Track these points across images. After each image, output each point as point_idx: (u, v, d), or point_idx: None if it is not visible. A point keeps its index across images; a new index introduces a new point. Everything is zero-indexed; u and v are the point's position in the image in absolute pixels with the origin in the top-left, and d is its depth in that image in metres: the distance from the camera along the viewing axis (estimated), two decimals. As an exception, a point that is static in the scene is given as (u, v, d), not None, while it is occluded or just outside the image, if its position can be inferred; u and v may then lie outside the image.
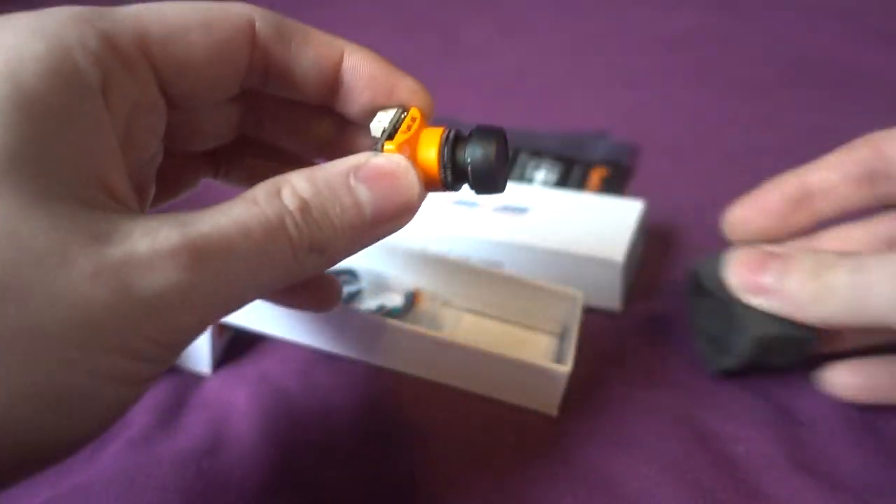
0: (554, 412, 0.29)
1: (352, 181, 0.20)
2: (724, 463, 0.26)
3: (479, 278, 0.33)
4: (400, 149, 0.21)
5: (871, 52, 0.60)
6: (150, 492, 0.26)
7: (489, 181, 0.22)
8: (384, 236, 0.21)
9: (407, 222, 0.21)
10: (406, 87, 0.23)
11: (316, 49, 0.23)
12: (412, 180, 0.20)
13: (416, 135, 0.22)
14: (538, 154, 0.47)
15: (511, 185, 0.40)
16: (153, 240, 0.17)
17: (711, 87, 0.58)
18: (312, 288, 0.26)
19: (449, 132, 0.22)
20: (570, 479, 0.26)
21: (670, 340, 0.32)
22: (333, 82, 0.23)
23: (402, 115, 0.23)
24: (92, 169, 0.18)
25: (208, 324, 0.19)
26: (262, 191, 0.19)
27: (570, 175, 0.45)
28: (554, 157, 0.47)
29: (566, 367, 0.27)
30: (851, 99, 0.53)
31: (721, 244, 0.30)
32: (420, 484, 0.26)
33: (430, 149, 0.22)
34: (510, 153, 0.47)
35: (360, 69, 0.23)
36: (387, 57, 0.24)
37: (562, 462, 0.27)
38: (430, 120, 0.23)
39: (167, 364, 0.18)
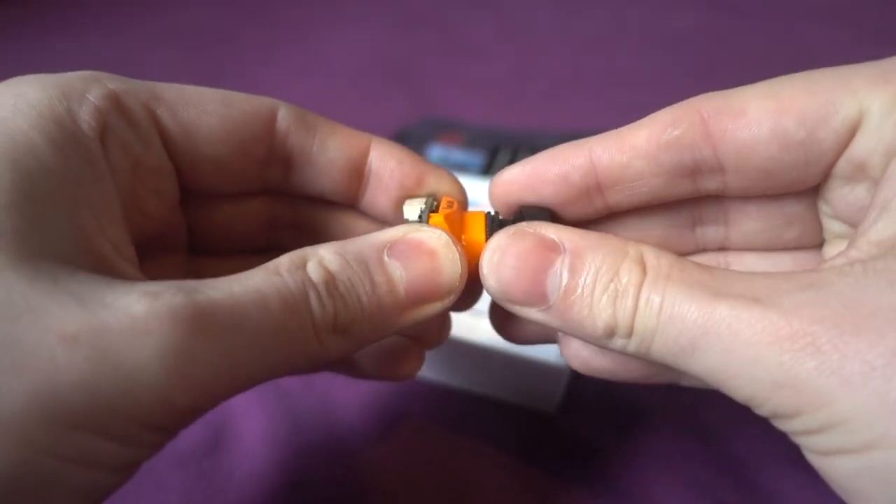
0: (553, 410, 0.29)
1: (385, 256, 0.18)
2: (725, 462, 0.26)
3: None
4: (444, 225, 0.19)
5: (871, 52, 0.60)
6: (150, 491, 0.26)
7: None
8: (416, 323, 0.18)
9: (446, 307, 0.19)
10: (437, 176, 0.22)
11: (341, 139, 0.21)
12: (454, 258, 0.18)
13: (459, 215, 0.20)
14: (538, 154, 0.47)
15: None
16: (151, 302, 0.14)
17: (711, 88, 0.58)
18: (390, 353, 0.24)
19: (492, 214, 0.20)
20: (570, 479, 0.26)
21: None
22: (360, 174, 0.22)
23: (435, 202, 0.21)
24: (84, 220, 0.16)
25: (206, 408, 0.16)
26: (286, 260, 0.17)
27: (570, 175, 0.45)
28: (554, 156, 0.47)
29: (566, 366, 0.27)
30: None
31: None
32: (420, 483, 0.26)
33: (475, 229, 0.20)
34: (512, 156, 0.47)
35: (388, 158, 0.22)
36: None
37: (562, 462, 0.27)
38: (465, 207, 0.22)
39: (157, 448, 0.16)
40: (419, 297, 0.18)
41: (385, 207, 0.22)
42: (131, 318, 0.14)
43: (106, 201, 0.17)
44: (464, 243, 0.19)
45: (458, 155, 0.49)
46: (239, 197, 0.22)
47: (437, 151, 0.48)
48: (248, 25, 0.79)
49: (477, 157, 0.48)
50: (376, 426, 0.28)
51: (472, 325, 0.34)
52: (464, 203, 0.22)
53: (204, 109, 0.20)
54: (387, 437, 0.28)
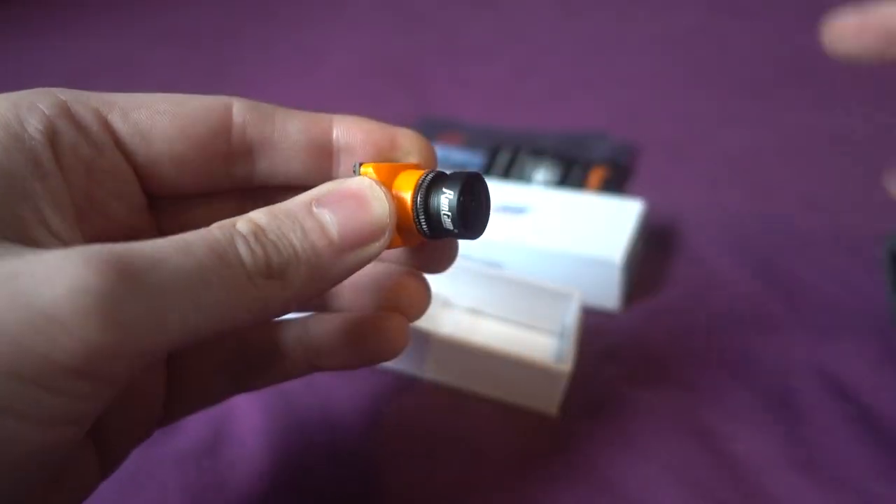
0: (554, 412, 0.29)
1: (314, 207, 0.18)
2: (724, 462, 0.26)
3: (479, 278, 0.33)
4: (375, 174, 0.20)
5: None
6: (150, 491, 0.26)
7: (457, 222, 0.20)
8: (355, 266, 0.19)
9: (379, 250, 0.19)
10: (407, 137, 0.22)
11: (301, 121, 0.21)
12: (380, 197, 0.19)
13: (394, 170, 0.21)
14: (538, 154, 0.47)
15: (511, 185, 0.40)
16: (66, 251, 0.14)
17: (711, 87, 0.58)
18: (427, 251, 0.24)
19: (427, 175, 0.20)
20: (570, 479, 0.26)
21: (670, 340, 0.32)
22: (328, 153, 0.22)
23: (356, 164, 0.21)
24: (22, 210, 0.17)
25: (140, 352, 0.15)
26: (216, 223, 0.17)
27: (570, 175, 0.45)
28: (554, 156, 0.47)
29: (566, 367, 0.27)
30: (851, 99, 0.53)
31: (724, 241, 0.30)
32: (420, 483, 0.26)
33: (406, 190, 0.20)
34: (512, 156, 0.47)
35: (355, 130, 0.22)
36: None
37: (562, 462, 0.27)
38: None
39: (96, 401, 0.15)
40: (353, 238, 0.18)
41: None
42: (44, 262, 0.14)
43: (52, 198, 0.18)
44: (392, 193, 0.20)
45: (458, 155, 0.49)
46: (210, 197, 0.22)
47: (437, 151, 0.48)
48: (248, 26, 0.79)
49: (477, 157, 0.48)
50: (376, 426, 0.28)
51: (473, 326, 0.34)
52: (433, 165, 0.22)
53: (155, 110, 0.20)
54: (387, 437, 0.28)
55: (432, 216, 0.20)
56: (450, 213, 0.20)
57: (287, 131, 0.21)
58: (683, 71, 0.61)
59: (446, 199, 0.20)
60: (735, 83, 0.59)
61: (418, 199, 0.20)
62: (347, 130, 0.22)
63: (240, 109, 0.21)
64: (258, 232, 0.17)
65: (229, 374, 0.24)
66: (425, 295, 0.24)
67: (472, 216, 0.20)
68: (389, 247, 0.20)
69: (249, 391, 0.24)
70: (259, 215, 0.18)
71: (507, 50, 0.68)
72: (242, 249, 0.17)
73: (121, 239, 0.17)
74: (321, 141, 0.22)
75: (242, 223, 0.17)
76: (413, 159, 0.22)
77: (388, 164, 0.21)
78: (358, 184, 0.19)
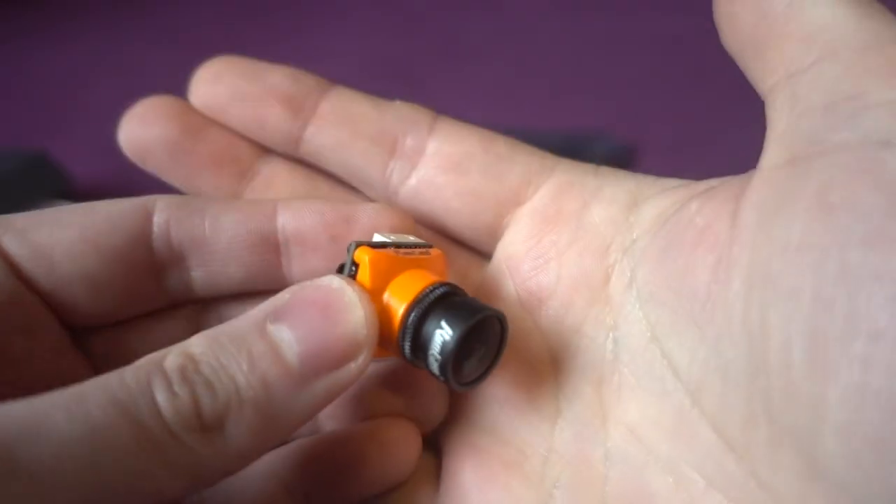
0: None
1: (269, 324, 0.14)
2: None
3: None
4: (378, 264, 0.16)
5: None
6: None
7: (446, 371, 0.15)
8: (325, 398, 0.15)
9: (356, 373, 0.15)
10: (370, 214, 0.18)
11: (238, 212, 0.18)
12: (354, 305, 0.15)
13: (399, 264, 0.16)
14: (538, 154, 0.47)
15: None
16: None
17: (711, 87, 0.58)
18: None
19: (434, 290, 0.16)
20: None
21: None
22: (274, 246, 0.18)
23: (417, 248, 0.17)
24: None
25: None
26: (143, 359, 0.13)
27: (570, 175, 0.45)
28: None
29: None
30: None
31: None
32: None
33: (402, 299, 0.16)
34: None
35: (303, 213, 0.18)
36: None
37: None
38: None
39: None
40: (319, 362, 0.14)
41: (323, 271, 0.18)
42: None
43: None
44: (382, 298, 0.16)
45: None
46: (145, 321, 0.19)
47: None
48: (247, 26, 0.79)
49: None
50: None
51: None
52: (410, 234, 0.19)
53: (59, 224, 0.17)
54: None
55: (419, 348, 0.16)
56: (439, 358, 0.15)
57: (220, 226, 0.18)
58: (683, 71, 0.61)
59: (440, 339, 0.15)
60: (735, 83, 0.59)
61: (410, 317, 0.16)
62: (295, 216, 0.18)
63: (162, 208, 0.18)
64: (187, 367, 0.13)
65: None
66: (441, 401, 0.19)
67: (470, 369, 0.16)
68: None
69: None
70: (196, 341, 0.14)
71: (507, 50, 0.68)
72: (161, 397, 0.13)
73: (40, 388, 0.13)
74: (263, 232, 0.18)
75: (173, 357, 0.13)
76: (389, 237, 0.18)
77: (393, 253, 0.16)
78: (325, 287, 0.15)
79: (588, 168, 0.21)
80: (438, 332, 0.15)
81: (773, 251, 0.14)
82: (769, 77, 0.16)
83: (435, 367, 0.15)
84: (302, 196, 0.21)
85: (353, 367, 0.15)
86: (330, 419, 0.19)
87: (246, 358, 0.14)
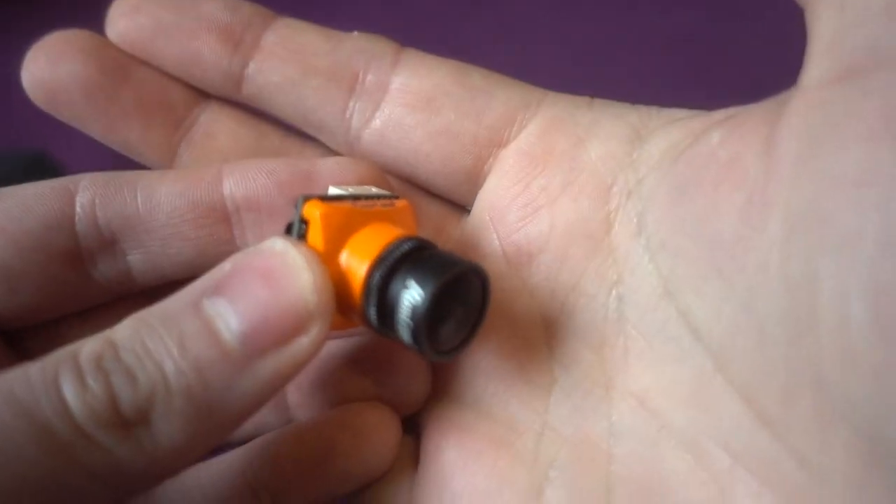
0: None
1: (204, 300, 0.12)
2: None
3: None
4: (330, 218, 0.13)
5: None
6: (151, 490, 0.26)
7: (417, 336, 0.13)
8: (275, 380, 0.12)
9: (311, 348, 0.12)
10: (332, 169, 0.16)
11: (174, 181, 0.15)
12: (302, 269, 0.12)
13: (360, 217, 0.14)
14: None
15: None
16: None
17: (712, 88, 0.58)
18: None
19: (401, 244, 0.14)
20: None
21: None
22: (224, 216, 0.16)
23: (381, 199, 0.15)
24: None
25: None
26: (57, 351, 0.12)
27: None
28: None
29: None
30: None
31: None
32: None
33: (364, 257, 0.13)
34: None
35: (252, 174, 0.16)
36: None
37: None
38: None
39: None
40: (262, 339, 0.12)
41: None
42: None
43: None
44: (341, 258, 0.14)
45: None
46: (85, 320, 0.17)
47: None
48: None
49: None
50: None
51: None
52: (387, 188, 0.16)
53: None
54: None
55: (387, 314, 0.13)
56: (410, 324, 0.13)
57: (156, 200, 0.15)
58: (683, 71, 0.61)
59: (410, 300, 0.13)
60: (735, 84, 0.59)
61: (374, 278, 0.13)
62: (243, 179, 0.16)
63: (86, 186, 0.15)
64: (104, 356, 0.11)
65: None
66: (423, 377, 0.17)
67: (448, 335, 0.14)
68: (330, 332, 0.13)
69: None
70: (122, 326, 0.12)
71: (507, 50, 0.68)
72: (69, 391, 0.11)
73: None
74: (208, 202, 0.15)
75: (90, 345, 0.11)
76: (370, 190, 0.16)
77: (350, 206, 0.14)
78: (267, 251, 0.13)
79: (580, 101, 0.17)
80: (406, 292, 0.13)
81: (823, 187, 0.11)
82: None
83: (406, 334, 0.13)
84: (249, 152, 0.18)
85: (305, 341, 0.12)
86: (300, 408, 0.17)
87: (176, 340, 0.12)
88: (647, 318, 0.15)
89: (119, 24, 0.17)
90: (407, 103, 0.17)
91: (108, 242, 0.16)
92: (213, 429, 0.12)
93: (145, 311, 0.12)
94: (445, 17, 0.78)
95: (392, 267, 0.13)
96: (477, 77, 0.18)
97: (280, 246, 0.13)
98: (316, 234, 0.13)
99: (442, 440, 0.16)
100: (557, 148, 0.16)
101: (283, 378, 0.12)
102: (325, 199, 0.14)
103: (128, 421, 0.11)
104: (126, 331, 0.12)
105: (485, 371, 0.16)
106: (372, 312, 0.13)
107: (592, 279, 0.16)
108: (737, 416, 0.13)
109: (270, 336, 0.12)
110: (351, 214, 0.14)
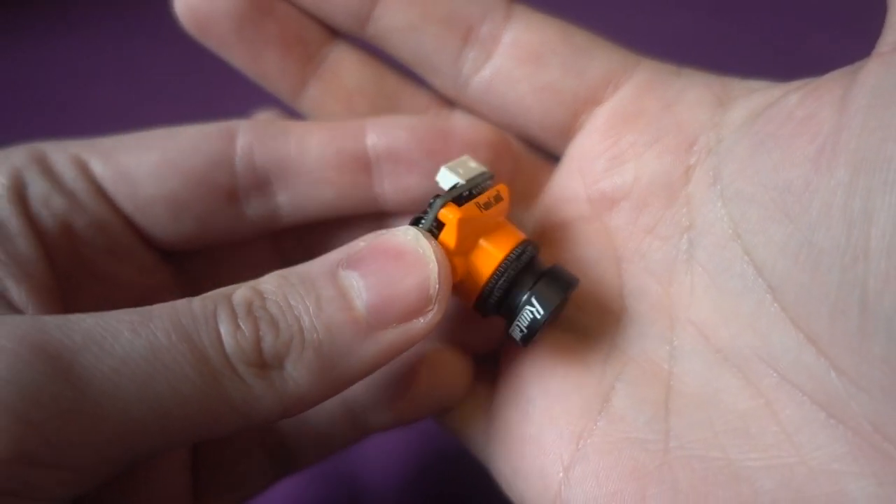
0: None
1: (340, 269, 0.14)
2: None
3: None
4: (464, 225, 0.15)
5: (870, 52, 0.60)
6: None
7: (526, 338, 0.16)
8: (389, 352, 0.14)
9: (424, 330, 0.14)
10: (469, 131, 0.18)
11: (325, 131, 0.17)
12: (429, 259, 0.14)
13: (487, 222, 0.16)
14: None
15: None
16: None
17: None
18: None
19: (524, 249, 0.16)
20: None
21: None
22: (365, 165, 0.18)
23: (485, 183, 0.16)
24: None
25: (73, 466, 0.12)
26: (213, 291, 0.14)
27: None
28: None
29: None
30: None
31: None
32: (423, 489, 0.26)
33: (491, 257, 0.16)
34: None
35: (395, 130, 0.18)
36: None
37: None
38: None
39: (60, 493, 0.12)
40: (386, 313, 0.14)
41: (417, 188, 0.18)
42: None
43: (13, 263, 0.15)
44: (471, 262, 0.16)
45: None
46: (232, 250, 0.19)
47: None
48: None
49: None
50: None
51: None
52: (505, 168, 0.18)
53: (142, 147, 0.17)
54: (389, 437, 0.28)
55: (503, 313, 0.17)
56: (525, 331, 0.16)
57: (307, 147, 0.17)
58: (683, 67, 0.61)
59: (530, 315, 0.16)
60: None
61: (500, 281, 0.16)
62: (386, 132, 0.18)
63: (246, 130, 0.17)
64: (254, 303, 0.13)
65: (267, 456, 0.19)
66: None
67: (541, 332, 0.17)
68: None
69: (296, 472, 0.20)
70: (268, 280, 0.14)
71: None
72: (225, 329, 0.13)
73: (126, 306, 0.14)
74: (353, 152, 0.18)
75: (242, 291, 0.13)
76: (483, 166, 0.17)
77: (477, 211, 0.16)
78: (401, 237, 0.14)
79: (671, 68, 0.20)
80: (529, 308, 0.16)
81: (888, 135, 0.13)
82: None
83: (517, 334, 0.16)
84: (369, 91, 0.19)
85: (422, 322, 0.14)
86: None
87: (314, 301, 0.13)
88: (714, 258, 0.16)
89: None
90: (516, 56, 0.19)
91: (262, 182, 0.17)
92: (334, 382, 0.14)
93: (288, 271, 0.14)
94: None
95: (515, 277, 0.16)
96: (581, 38, 0.19)
97: (412, 234, 0.15)
98: (450, 235, 0.15)
99: (519, 351, 0.18)
100: (648, 109, 0.18)
101: (397, 350, 0.14)
102: (457, 200, 0.16)
103: (266, 363, 0.13)
104: (272, 284, 0.14)
105: None
106: (488, 308, 0.16)
107: (667, 224, 0.17)
108: (787, 338, 0.15)
109: (394, 312, 0.14)
110: (480, 220, 0.16)
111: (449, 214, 0.15)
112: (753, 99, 0.17)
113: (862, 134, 0.13)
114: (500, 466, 0.18)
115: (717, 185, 0.17)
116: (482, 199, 0.16)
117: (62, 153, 0.16)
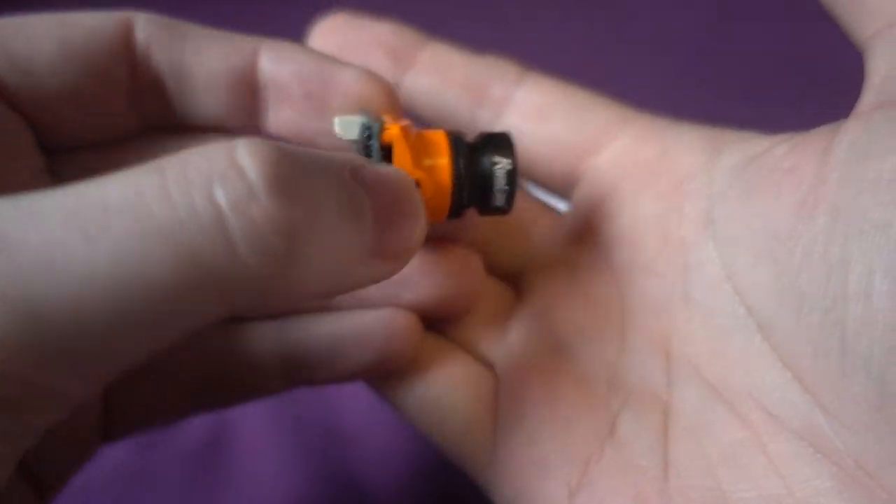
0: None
1: (349, 177, 0.13)
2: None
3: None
4: (400, 151, 0.15)
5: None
6: (152, 491, 0.26)
7: (510, 199, 0.17)
8: (373, 279, 0.14)
9: (403, 265, 0.15)
10: (355, 78, 0.17)
11: (221, 46, 0.17)
12: (419, 214, 0.15)
13: (416, 136, 0.17)
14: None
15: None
16: None
17: (717, 89, 0.58)
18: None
19: (454, 136, 0.17)
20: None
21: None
22: (251, 87, 0.18)
23: (377, 124, 0.16)
24: None
25: (78, 385, 0.11)
26: (205, 144, 0.12)
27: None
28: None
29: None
30: (849, 99, 0.53)
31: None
32: (422, 489, 0.26)
33: (436, 157, 0.16)
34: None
35: (286, 61, 0.17)
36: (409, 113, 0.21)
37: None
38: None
39: (21, 439, 0.11)
40: (385, 243, 0.14)
41: (293, 126, 0.18)
42: None
43: None
44: (424, 168, 0.16)
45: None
46: (115, 144, 0.18)
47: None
48: (249, 26, 0.79)
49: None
50: (379, 427, 0.29)
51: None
52: (398, 113, 0.18)
53: (36, 35, 0.15)
54: (389, 438, 0.28)
55: (476, 190, 0.17)
56: (507, 188, 0.17)
57: (203, 58, 0.17)
58: (683, 71, 0.61)
59: (503, 171, 0.17)
60: (734, 83, 0.59)
61: (458, 166, 0.16)
62: (276, 62, 0.17)
63: (144, 26, 0.17)
64: (276, 162, 0.11)
65: (183, 392, 0.19)
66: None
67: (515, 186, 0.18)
68: None
69: (214, 410, 0.20)
70: (282, 144, 0.12)
71: (506, 50, 0.68)
72: (240, 190, 0.11)
73: None
74: (243, 72, 0.17)
75: (244, 148, 0.11)
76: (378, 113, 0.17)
77: (412, 132, 0.16)
78: (401, 179, 0.14)
79: (666, 121, 0.21)
80: (498, 168, 0.17)
81: (863, 187, 0.14)
82: (869, 25, 0.16)
83: (500, 199, 0.17)
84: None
85: (400, 263, 0.14)
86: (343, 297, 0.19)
87: (335, 182, 0.13)
88: (707, 297, 0.17)
89: (318, 42, 0.22)
90: (524, 114, 0.21)
91: (158, 81, 0.17)
92: (335, 281, 0.13)
93: (296, 148, 0.12)
94: (446, 18, 0.78)
95: (469, 155, 0.17)
96: (582, 95, 0.22)
97: (407, 181, 0.15)
98: (403, 155, 0.16)
99: (526, 376, 0.19)
100: (645, 156, 0.20)
101: (384, 277, 0.14)
102: (392, 124, 0.16)
103: (283, 232, 0.11)
104: (286, 150, 0.12)
105: (564, 326, 0.20)
106: (464, 196, 0.17)
107: (664, 262, 0.19)
108: (775, 376, 0.16)
109: (390, 245, 0.14)
110: (414, 134, 0.16)
111: (392, 131, 0.16)
112: (744, 147, 0.18)
113: (840, 185, 0.14)
114: (503, 489, 0.18)
115: (709, 228, 0.18)
116: (395, 130, 0.16)
117: None
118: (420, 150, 0.16)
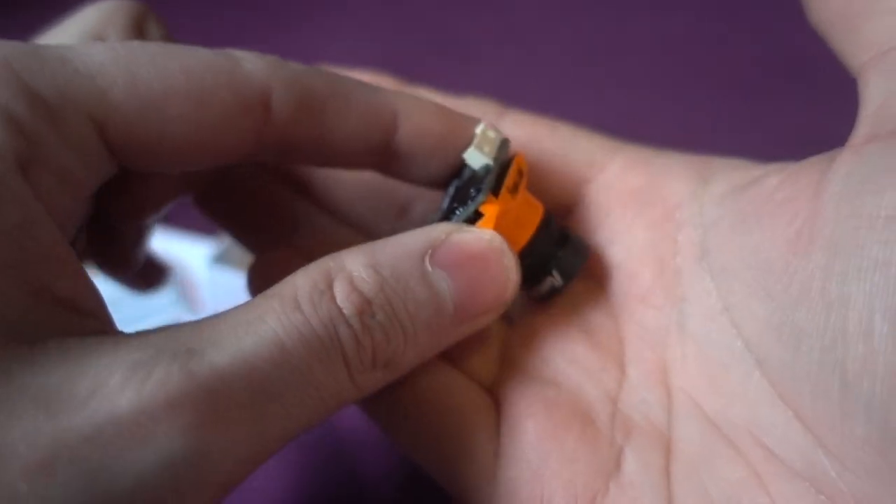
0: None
1: (427, 266, 0.15)
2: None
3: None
4: (501, 218, 0.16)
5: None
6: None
7: (546, 299, 0.19)
8: (460, 339, 0.16)
9: (492, 320, 0.16)
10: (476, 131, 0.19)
11: (358, 119, 0.17)
12: (508, 265, 0.16)
13: (521, 201, 0.18)
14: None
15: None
16: (141, 388, 0.11)
17: (711, 88, 0.58)
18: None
19: (549, 217, 0.18)
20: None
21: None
22: (385, 153, 0.18)
23: (507, 161, 0.18)
24: (24, 280, 0.12)
25: (224, 497, 0.13)
26: (305, 283, 0.14)
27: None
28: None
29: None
30: (848, 99, 0.53)
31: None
32: (422, 490, 0.26)
33: (520, 234, 0.18)
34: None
35: (423, 132, 0.18)
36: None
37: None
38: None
39: None
40: (468, 313, 0.16)
41: (420, 180, 0.19)
42: (117, 421, 0.11)
43: (46, 247, 0.13)
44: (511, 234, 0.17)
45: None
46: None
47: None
48: (248, 26, 0.79)
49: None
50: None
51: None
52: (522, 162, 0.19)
53: (166, 116, 0.14)
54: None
55: (525, 279, 0.18)
56: (546, 296, 0.19)
57: (337, 132, 0.17)
58: (683, 71, 0.61)
59: (551, 285, 0.19)
60: (734, 84, 0.59)
61: (529, 256, 0.18)
62: (413, 135, 0.18)
63: (281, 101, 0.16)
64: (365, 313, 0.14)
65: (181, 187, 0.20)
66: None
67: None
68: None
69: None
70: (362, 276, 0.14)
71: (506, 50, 0.68)
72: (348, 345, 0.14)
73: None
74: (379, 145, 0.18)
75: (343, 293, 0.14)
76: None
77: (511, 198, 0.17)
78: (487, 243, 0.16)
79: (652, 150, 0.21)
80: (550, 279, 0.18)
81: (861, 223, 0.13)
82: (862, 53, 0.15)
83: (535, 295, 0.19)
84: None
85: (489, 319, 0.16)
86: None
87: (412, 307, 0.15)
88: (704, 330, 0.17)
89: None
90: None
91: (281, 144, 0.17)
92: (417, 363, 0.16)
93: (376, 261, 0.15)
94: (446, 17, 0.78)
95: (541, 254, 0.18)
96: (565, 129, 0.22)
97: (498, 243, 0.16)
98: (488, 226, 0.17)
99: (529, 410, 0.18)
100: (633, 185, 0.20)
101: (464, 336, 0.16)
102: (494, 188, 0.17)
103: (379, 365, 0.15)
104: (370, 286, 0.14)
105: (565, 356, 0.19)
106: (530, 272, 0.18)
107: (660, 294, 0.19)
108: (775, 413, 0.15)
109: (475, 312, 0.16)
110: (513, 209, 0.17)
111: (490, 209, 0.16)
112: (733, 175, 0.18)
113: (836, 220, 0.14)
114: None
115: (704, 260, 0.18)
116: (510, 181, 0.17)
117: (74, 111, 0.13)
118: (510, 218, 0.17)
